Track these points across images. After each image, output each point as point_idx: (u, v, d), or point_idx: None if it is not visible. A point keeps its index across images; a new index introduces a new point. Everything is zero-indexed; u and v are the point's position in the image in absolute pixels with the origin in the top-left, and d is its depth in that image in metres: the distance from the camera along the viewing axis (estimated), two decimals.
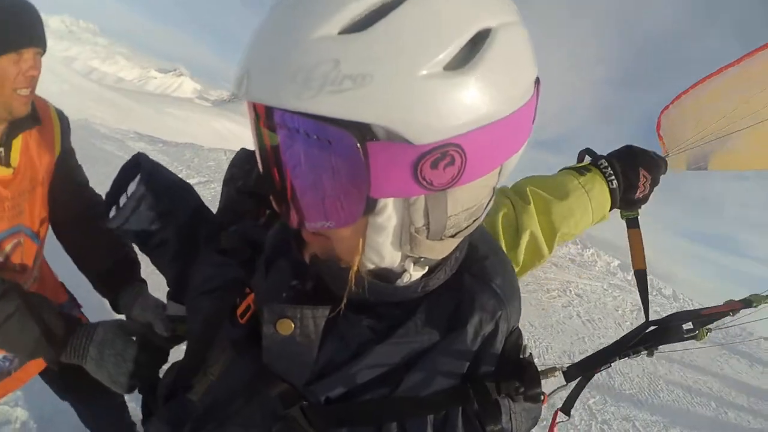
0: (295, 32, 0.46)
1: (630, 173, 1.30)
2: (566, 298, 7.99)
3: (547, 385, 1.20)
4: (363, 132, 0.48)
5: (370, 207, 0.53)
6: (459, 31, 0.48)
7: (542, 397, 0.66)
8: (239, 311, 0.74)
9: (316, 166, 0.51)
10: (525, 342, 0.73)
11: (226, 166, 1.07)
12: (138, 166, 0.96)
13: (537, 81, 0.58)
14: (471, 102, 0.48)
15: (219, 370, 0.76)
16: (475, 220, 0.62)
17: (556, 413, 1.20)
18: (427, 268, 0.65)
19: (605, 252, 14.01)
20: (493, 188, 0.62)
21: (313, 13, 0.46)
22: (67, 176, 1.52)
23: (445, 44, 0.47)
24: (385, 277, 0.64)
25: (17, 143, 1.35)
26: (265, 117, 0.51)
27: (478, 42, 0.49)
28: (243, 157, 1.04)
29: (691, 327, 1.39)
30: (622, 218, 1.39)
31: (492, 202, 0.64)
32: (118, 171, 0.97)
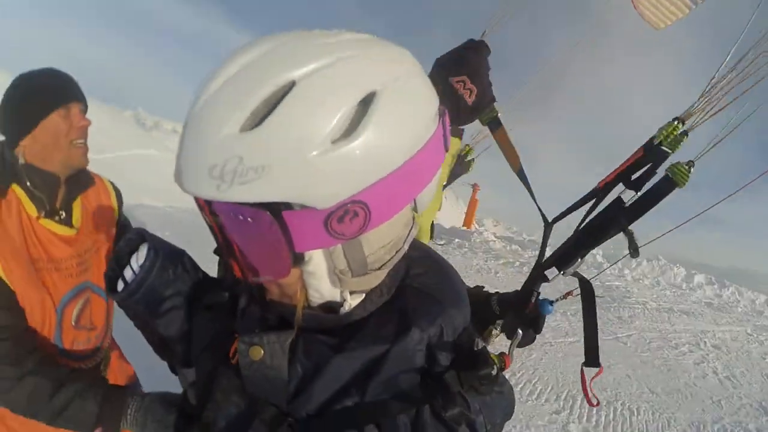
0: (206, 134, 0.55)
1: (446, 92, 1.26)
2: (700, 352, 6.93)
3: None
4: (276, 206, 0.57)
5: (299, 259, 0.64)
6: (339, 106, 0.55)
7: (495, 373, 0.74)
8: (230, 353, 0.82)
9: (245, 236, 0.62)
10: (477, 338, 0.80)
11: None
12: (141, 239, 1.03)
13: (441, 113, 0.67)
14: (362, 164, 0.56)
15: (215, 412, 0.83)
16: (397, 251, 0.72)
17: (582, 370, 1.18)
18: (364, 294, 0.75)
19: (748, 288, 10.66)
20: (412, 219, 0.72)
21: (217, 115, 0.55)
22: None
23: (328, 122, 0.54)
24: (331, 307, 0.74)
25: (77, 205, 1.45)
26: (201, 202, 0.62)
27: (365, 105, 0.56)
28: None
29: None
30: (483, 125, 1.33)
31: (414, 230, 0.73)
32: (121, 247, 1.02)
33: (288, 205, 0.58)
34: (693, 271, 12.39)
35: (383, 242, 0.68)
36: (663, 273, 12.32)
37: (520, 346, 1.28)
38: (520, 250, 12.34)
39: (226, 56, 0.59)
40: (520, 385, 4.69)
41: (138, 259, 0.99)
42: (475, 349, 0.77)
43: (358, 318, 0.74)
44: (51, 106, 1.32)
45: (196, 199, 0.62)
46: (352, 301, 0.73)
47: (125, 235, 1.04)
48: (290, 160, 0.54)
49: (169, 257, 1.01)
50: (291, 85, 0.55)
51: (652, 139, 1.20)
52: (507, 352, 1.19)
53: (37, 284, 1.33)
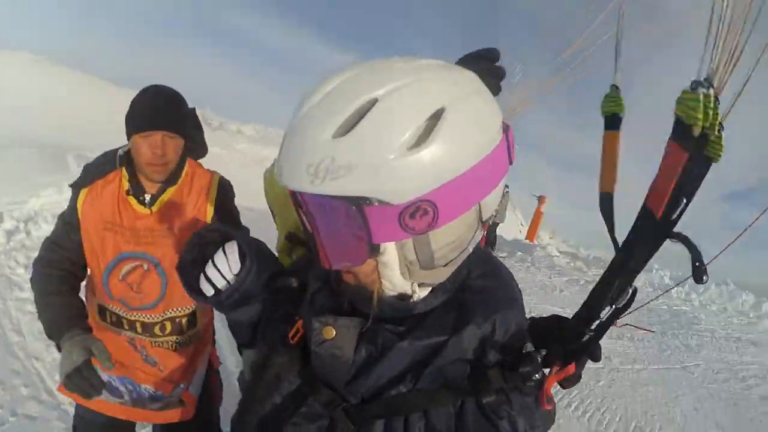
0: (306, 139, 0.67)
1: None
2: (767, 386, 6.90)
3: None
4: (359, 200, 0.66)
5: (375, 250, 0.71)
6: (414, 119, 0.65)
7: (539, 377, 0.79)
8: (290, 334, 0.92)
9: (331, 225, 0.70)
10: (530, 346, 0.85)
11: None
12: (224, 237, 1.07)
13: (505, 128, 0.75)
14: (432, 168, 0.65)
15: (271, 388, 0.94)
16: (462, 251, 0.79)
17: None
18: (431, 288, 0.83)
19: None
20: (478, 223, 0.77)
21: (315, 124, 0.67)
22: None
23: (404, 132, 0.64)
24: (401, 297, 0.82)
25: (165, 195, 1.74)
26: (298, 195, 0.70)
27: (434, 119, 0.66)
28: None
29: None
30: (603, 114, 1.01)
31: (478, 235, 0.79)
32: (193, 240, 1.07)
33: (368, 201, 0.66)
34: (762, 299, 11.75)
35: (448, 240, 0.74)
36: (731, 299, 11.76)
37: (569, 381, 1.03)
38: (584, 267, 12.07)
39: (324, 79, 0.71)
40: (588, 414, 4.70)
41: (229, 263, 1.01)
42: (524, 351, 0.83)
43: (422, 311, 0.83)
44: (136, 129, 1.60)
45: (292, 194, 0.72)
46: (420, 293, 0.82)
47: (202, 231, 1.07)
48: (373, 161, 0.64)
49: (259, 259, 1.02)
50: (374, 101, 0.65)
51: (687, 126, 0.82)
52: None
53: (103, 233, 1.70)
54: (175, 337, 1.82)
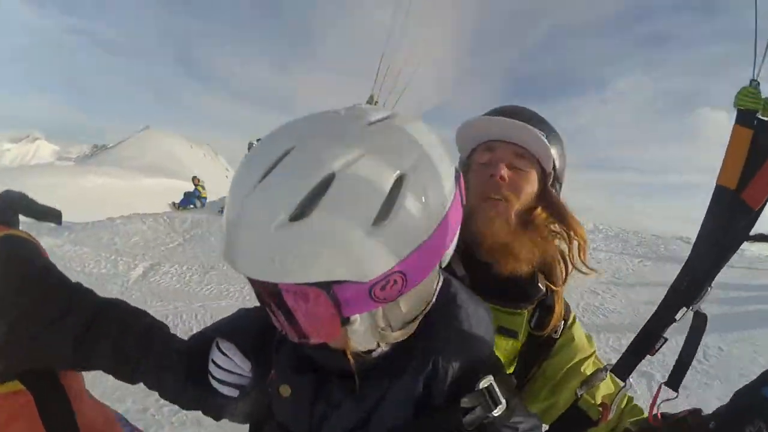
0: (260, 225, 0.61)
1: None
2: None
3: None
4: (328, 283, 0.64)
5: (345, 321, 0.71)
6: (376, 192, 0.62)
7: (498, 413, 0.79)
8: (267, 381, 0.93)
9: (300, 307, 0.68)
10: (488, 381, 0.80)
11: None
12: (210, 337, 1.01)
13: (457, 175, 0.75)
14: (398, 240, 0.64)
15: (262, 425, 0.96)
16: (428, 303, 0.81)
17: (659, 388, 1.07)
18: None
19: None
20: (438, 273, 0.83)
21: (268, 208, 0.61)
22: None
23: (367, 208, 0.61)
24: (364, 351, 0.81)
25: None
26: (264, 285, 0.68)
27: (396, 188, 0.63)
28: None
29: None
30: (735, 107, 1.01)
31: (440, 282, 0.84)
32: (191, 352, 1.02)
33: (337, 281, 0.64)
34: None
35: (417, 298, 0.77)
36: None
37: None
38: None
39: (264, 144, 0.67)
40: None
41: (236, 362, 0.97)
42: (476, 388, 0.79)
43: (377, 358, 0.82)
44: None
45: (251, 279, 0.69)
46: (384, 346, 0.81)
47: (193, 345, 1.05)
48: (338, 244, 0.61)
49: (252, 344, 1.00)
50: (331, 178, 0.61)
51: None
52: (609, 404, 1.14)
53: None
54: None
